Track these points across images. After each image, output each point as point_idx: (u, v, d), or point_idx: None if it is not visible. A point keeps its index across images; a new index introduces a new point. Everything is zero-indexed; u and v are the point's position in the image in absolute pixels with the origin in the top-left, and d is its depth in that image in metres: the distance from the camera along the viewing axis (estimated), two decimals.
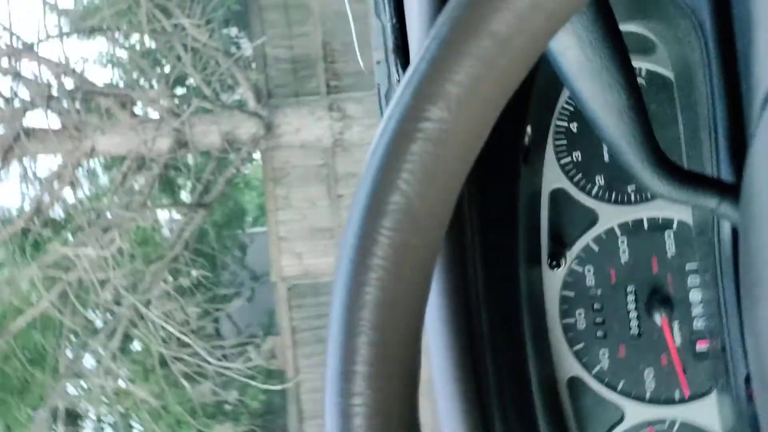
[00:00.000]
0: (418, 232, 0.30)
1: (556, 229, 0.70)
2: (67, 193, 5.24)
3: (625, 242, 0.69)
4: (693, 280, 0.68)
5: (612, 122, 0.41)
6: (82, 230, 4.95)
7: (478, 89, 0.29)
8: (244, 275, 6.71)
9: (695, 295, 0.68)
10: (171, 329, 5.04)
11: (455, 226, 0.48)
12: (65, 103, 4.83)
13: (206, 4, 5.02)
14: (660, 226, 0.69)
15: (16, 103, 4.87)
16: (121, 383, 5.32)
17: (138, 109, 5.21)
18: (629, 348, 0.69)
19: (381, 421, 0.30)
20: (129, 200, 5.16)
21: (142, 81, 5.80)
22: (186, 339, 5.04)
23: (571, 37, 0.40)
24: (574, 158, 0.70)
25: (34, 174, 5.06)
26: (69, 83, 4.93)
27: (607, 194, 0.70)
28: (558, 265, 0.69)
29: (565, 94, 0.69)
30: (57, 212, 5.47)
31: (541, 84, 0.63)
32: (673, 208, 0.68)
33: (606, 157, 0.69)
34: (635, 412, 0.69)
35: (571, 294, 0.70)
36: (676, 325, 0.68)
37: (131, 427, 6.35)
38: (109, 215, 5.09)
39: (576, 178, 0.70)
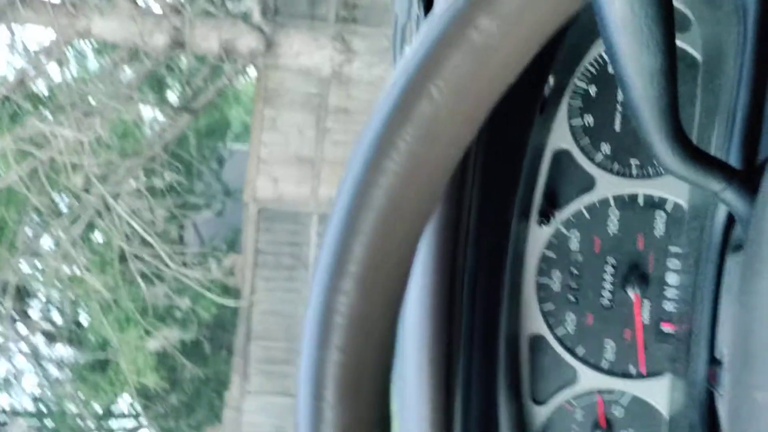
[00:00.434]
0: (437, 145, 0.30)
1: (552, 188, 0.70)
2: (54, 71, 5.11)
3: (617, 214, 0.69)
4: (674, 263, 0.69)
5: (641, 84, 0.40)
6: (63, 110, 4.85)
7: (534, 7, 0.28)
8: (218, 189, 6.67)
9: (672, 278, 0.69)
10: (136, 226, 5.01)
11: (460, 165, 0.49)
12: None
13: None
14: (654, 204, 0.69)
15: None
16: (77, 270, 5.30)
17: None
18: (597, 317, 0.70)
19: (363, 324, 0.30)
20: (115, 90, 5.05)
21: None
22: (149, 239, 5.03)
23: None
24: (585, 122, 0.69)
25: (23, 44, 4.92)
26: None
27: (609, 164, 0.69)
28: (546, 223, 0.70)
29: (590, 55, 0.69)
30: (40, 88, 5.35)
31: (571, 38, 0.62)
32: (672, 189, 0.68)
33: (617, 127, 0.69)
34: (589, 378, 0.70)
35: (553, 255, 0.70)
36: (647, 304, 0.69)
37: (78, 314, 6.37)
38: (92, 101, 4.99)
39: (582, 142, 0.69)
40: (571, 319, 0.70)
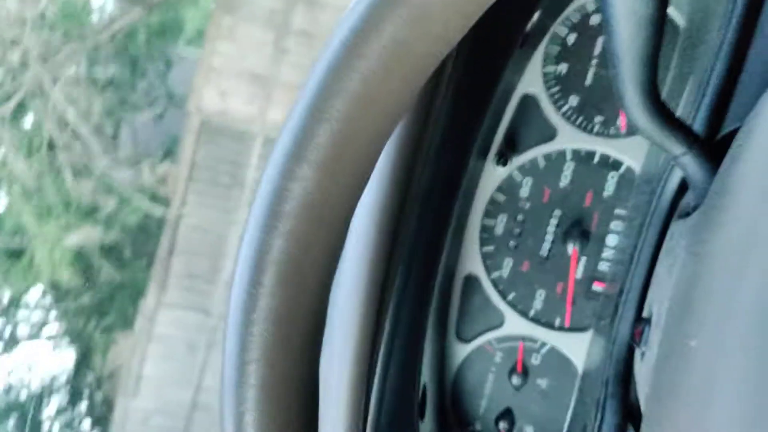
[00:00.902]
0: (426, 36, 0.28)
1: (514, 131, 0.71)
2: None
3: (571, 168, 0.71)
4: (616, 225, 0.70)
5: (628, 31, 0.40)
6: None
7: None
8: (161, 92, 6.43)
9: (611, 240, 0.70)
10: (70, 116, 4.80)
11: (428, 90, 0.48)
12: None
13: None
14: (609, 164, 0.70)
15: None
16: (2, 150, 5.07)
17: None
18: (533, 266, 0.72)
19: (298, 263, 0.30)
20: None
21: None
22: (82, 130, 4.83)
23: None
24: (559, 70, 0.70)
25: None
26: None
27: (574, 117, 0.70)
28: (503, 165, 0.71)
29: (576, 2, 0.69)
30: None
31: None
32: (629, 152, 0.69)
33: (588, 81, 0.70)
34: (514, 324, 0.72)
35: (502, 198, 0.72)
36: (583, 260, 0.70)
37: None
38: None
39: (552, 90, 0.70)
40: (507, 264, 0.72)
